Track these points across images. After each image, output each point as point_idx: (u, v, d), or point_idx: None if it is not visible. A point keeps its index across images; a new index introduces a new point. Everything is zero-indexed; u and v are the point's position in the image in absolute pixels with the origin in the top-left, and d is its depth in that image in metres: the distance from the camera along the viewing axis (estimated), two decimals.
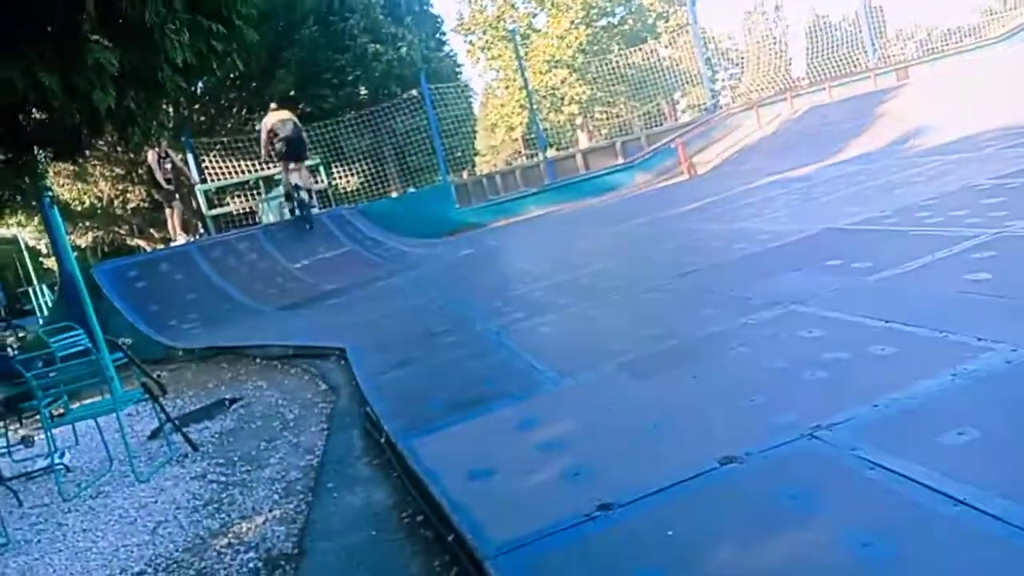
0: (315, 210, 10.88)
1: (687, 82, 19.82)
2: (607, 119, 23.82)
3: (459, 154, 18.69)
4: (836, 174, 7.43)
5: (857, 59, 18.05)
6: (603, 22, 24.66)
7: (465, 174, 21.21)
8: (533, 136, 19.66)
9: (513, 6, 24.52)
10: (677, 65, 19.64)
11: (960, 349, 2.24)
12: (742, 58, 27.39)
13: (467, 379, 3.41)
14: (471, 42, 25.55)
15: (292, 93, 15.51)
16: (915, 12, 30.97)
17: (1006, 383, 1.98)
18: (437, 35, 21.05)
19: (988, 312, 2.53)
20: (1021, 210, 3.77)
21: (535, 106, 17.94)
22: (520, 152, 28.32)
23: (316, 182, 12.43)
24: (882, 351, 2.39)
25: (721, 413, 2.29)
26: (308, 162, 11.29)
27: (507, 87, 24.76)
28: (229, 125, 16.15)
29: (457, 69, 22.06)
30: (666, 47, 20.59)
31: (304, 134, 10.67)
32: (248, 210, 14.44)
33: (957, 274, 3.02)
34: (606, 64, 20.66)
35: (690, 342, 3.10)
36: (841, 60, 18.08)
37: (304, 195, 10.19)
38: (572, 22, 23.00)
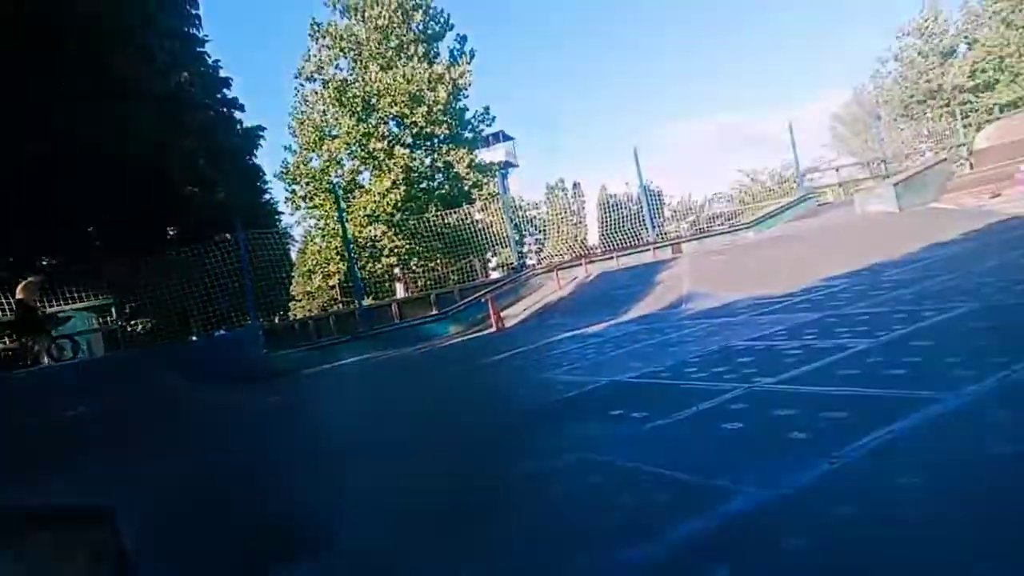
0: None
1: (497, 243, 21.28)
2: (424, 272, 24.62)
3: (272, 298, 18.16)
4: (623, 332, 8.23)
5: (640, 233, 20.61)
6: (423, 184, 26.12)
7: (277, 319, 20.50)
8: (350, 284, 19.71)
9: (339, 162, 25.30)
10: (489, 228, 21.15)
11: (718, 493, 2.51)
12: (545, 226, 30.09)
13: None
14: (293, 191, 25.69)
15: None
16: (687, 193, 36.45)
17: (756, 523, 2.24)
18: (258, 183, 21.08)
19: (740, 458, 2.88)
20: (766, 368, 4.41)
21: (354, 256, 18.16)
22: (336, 299, 28.05)
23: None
24: (658, 496, 2.61)
25: (520, 558, 2.33)
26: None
27: (326, 236, 24.90)
28: None
29: (277, 216, 21.95)
30: (479, 212, 22.19)
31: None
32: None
33: (717, 423, 3.42)
34: (423, 222, 21.69)
35: (493, 488, 3.16)
36: (627, 233, 20.54)
37: None
38: (393, 182, 24.11)
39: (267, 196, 21.86)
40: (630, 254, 17.50)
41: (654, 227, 19.82)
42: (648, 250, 17.17)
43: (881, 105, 36.59)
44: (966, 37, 32.43)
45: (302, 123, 25.33)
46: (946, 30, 32.59)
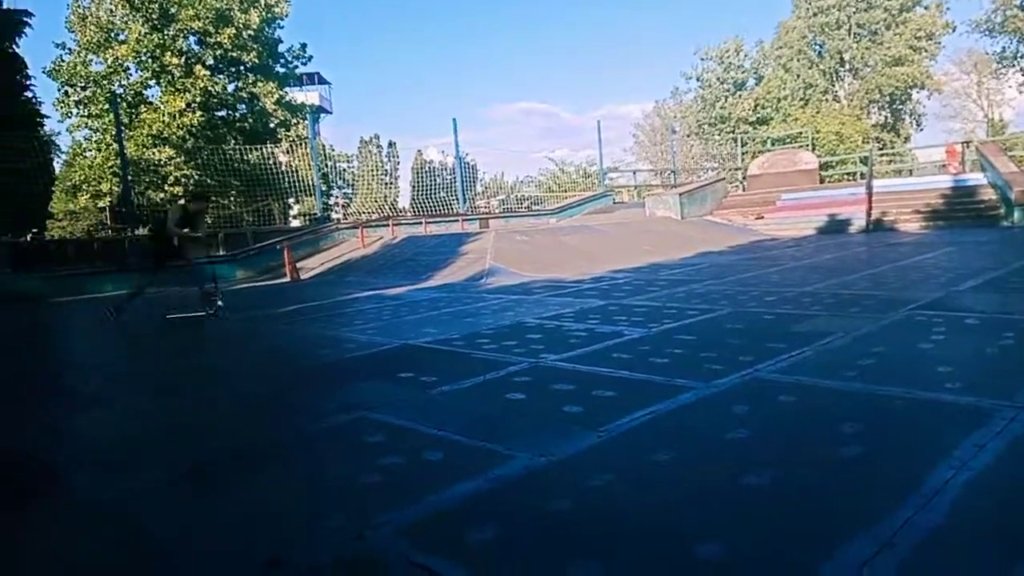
0: None
1: (301, 191, 20.22)
2: (216, 208, 22.70)
3: (24, 211, 15.64)
4: (423, 297, 8.24)
5: (452, 204, 20.78)
6: (223, 113, 23.92)
7: (30, 237, 17.69)
8: (123, 209, 17.55)
9: (125, 70, 22.24)
10: (294, 173, 19.99)
11: (492, 457, 2.59)
12: (356, 180, 29.17)
13: None
14: (66, 93, 22.16)
15: None
16: (500, 172, 37.36)
17: (525, 486, 2.34)
18: (18, 76, 17.86)
19: (518, 426, 3.00)
20: (553, 346, 4.65)
21: (131, 178, 16.17)
22: (105, 224, 24.90)
23: None
24: (432, 457, 2.63)
25: (274, 519, 2.22)
26: None
27: (101, 150, 21.83)
28: None
29: (40, 119, 18.81)
30: (284, 154, 20.89)
31: None
32: None
33: (501, 393, 3.53)
34: (220, 153, 19.93)
35: (255, 450, 2.99)
36: (439, 202, 20.61)
37: None
38: (189, 104, 21.80)
39: (29, 94, 18.66)
40: (439, 222, 17.55)
41: (466, 200, 20.06)
42: (457, 221, 17.34)
43: (678, 120, 40.19)
44: (756, 72, 36.64)
45: (84, 19, 21.90)
46: (742, 64, 36.53)
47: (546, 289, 8.22)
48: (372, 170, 30.83)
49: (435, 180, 21.78)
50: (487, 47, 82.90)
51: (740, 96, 35.48)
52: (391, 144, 41.58)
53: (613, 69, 79.96)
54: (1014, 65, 33.36)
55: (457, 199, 19.94)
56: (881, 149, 31.35)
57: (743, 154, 28.19)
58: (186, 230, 7.32)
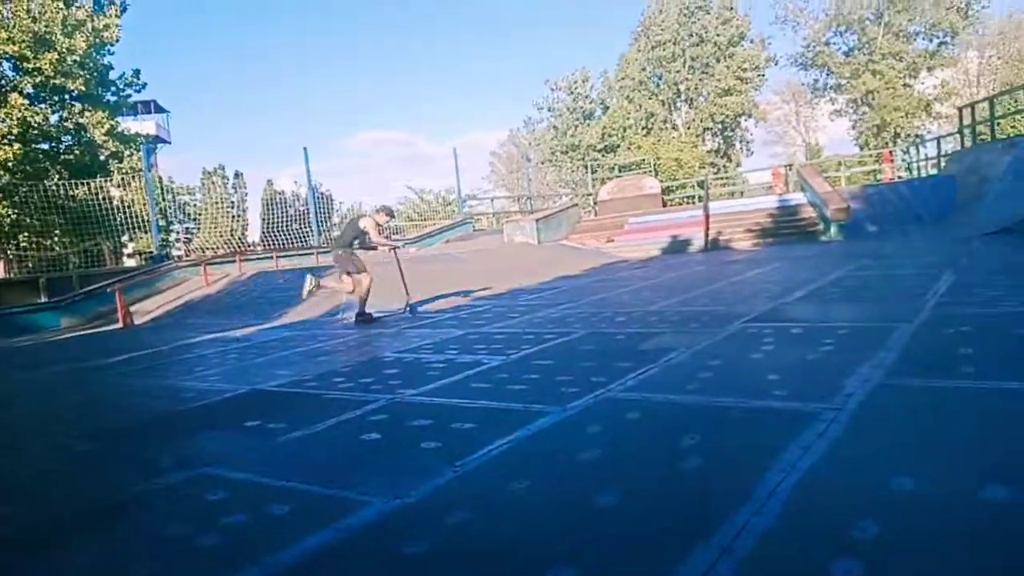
0: None
1: (138, 227, 18.71)
2: (37, 250, 20.46)
3: None
4: (274, 337, 7.83)
5: (306, 236, 20.09)
6: (45, 145, 21.72)
7: None
8: None
9: None
10: (128, 208, 18.49)
11: (344, 504, 2.46)
12: (199, 214, 27.49)
13: None
14: None
15: None
16: (358, 202, 36.63)
17: (378, 533, 2.23)
18: None
19: (373, 469, 2.88)
20: (410, 380, 4.55)
21: None
22: None
23: None
24: (278, 511, 2.46)
25: None
26: None
27: None
28: None
29: None
30: (117, 188, 19.27)
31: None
32: None
33: (356, 434, 3.39)
34: (40, 190, 18.05)
35: (76, 513, 2.65)
36: (293, 234, 19.85)
37: None
38: (3, 136, 19.61)
39: None
40: (292, 256, 16.87)
41: (321, 232, 19.46)
42: (312, 254, 16.76)
43: (533, 148, 41.57)
44: (603, 102, 38.71)
45: None
46: (589, 94, 38.47)
47: (406, 321, 8.10)
48: (217, 203, 29.12)
49: (287, 212, 20.94)
50: (343, 76, 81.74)
51: (589, 125, 37.30)
52: (237, 174, 39.55)
53: (469, 99, 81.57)
54: (825, 95, 37.66)
55: (312, 230, 19.30)
56: (716, 173, 34.10)
57: (593, 180, 29.59)
58: None
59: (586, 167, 31.64)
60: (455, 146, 59.38)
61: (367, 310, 8.51)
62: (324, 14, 76.58)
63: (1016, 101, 19.47)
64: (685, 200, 28.41)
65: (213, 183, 35.63)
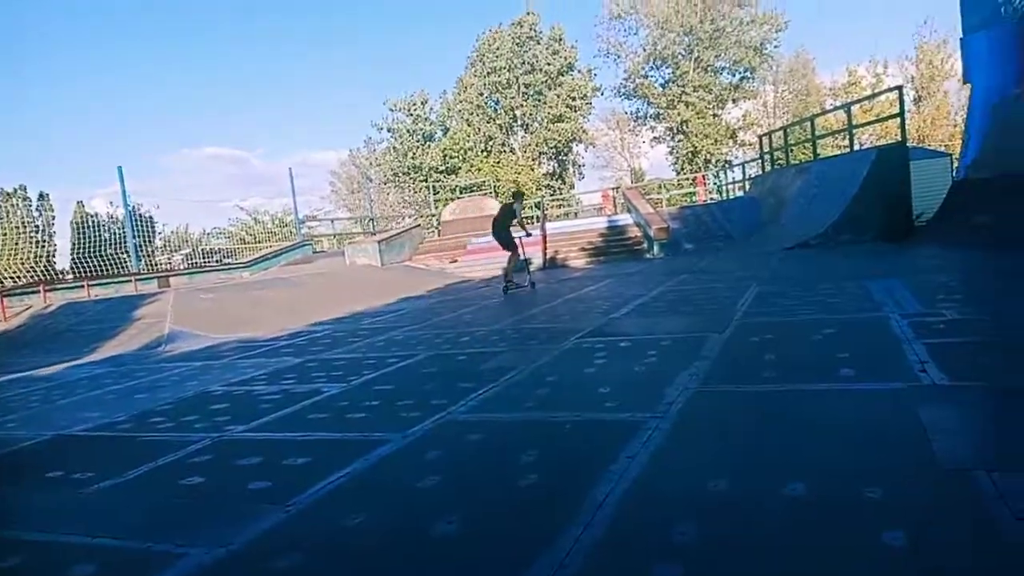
0: None
1: None
2: None
3: None
4: (83, 375, 7.05)
5: (124, 261, 18.37)
6: None
7: None
8: None
9: None
10: None
11: (160, 559, 2.25)
12: None
13: None
14: None
15: None
16: (184, 224, 33.91)
17: None
18: None
19: (194, 516, 2.66)
20: (241, 415, 4.28)
21: None
22: None
23: None
24: (81, 573, 2.20)
25: None
26: None
27: None
28: None
29: None
30: None
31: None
32: None
33: (175, 479, 3.12)
34: None
35: None
36: (108, 260, 18.06)
37: None
38: None
39: None
40: (108, 284, 15.32)
41: (140, 257, 17.85)
42: (130, 281, 15.32)
43: (373, 169, 41.01)
44: (443, 124, 39.04)
45: None
46: (428, 116, 38.65)
47: (237, 351, 7.63)
48: (17, 227, 25.81)
49: (101, 235, 19.00)
50: (167, 89, 75.66)
51: (430, 146, 37.47)
52: (42, 196, 35.32)
53: (307, 116, 78.55)
54: (645, 123, 40.59)
55: (130, 255, 17.65)
56: (552, 195, 35.55)
57: (436, 201, 29.72)
58: None
59: (428, 188, 31.74)
60: (292, 165, 57.34)
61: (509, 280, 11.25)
62: (140, 22, 70.73)
63: (805, 130, 22.14)
64: (525, 220, 29.33)
65: (13, 206, 31.49)
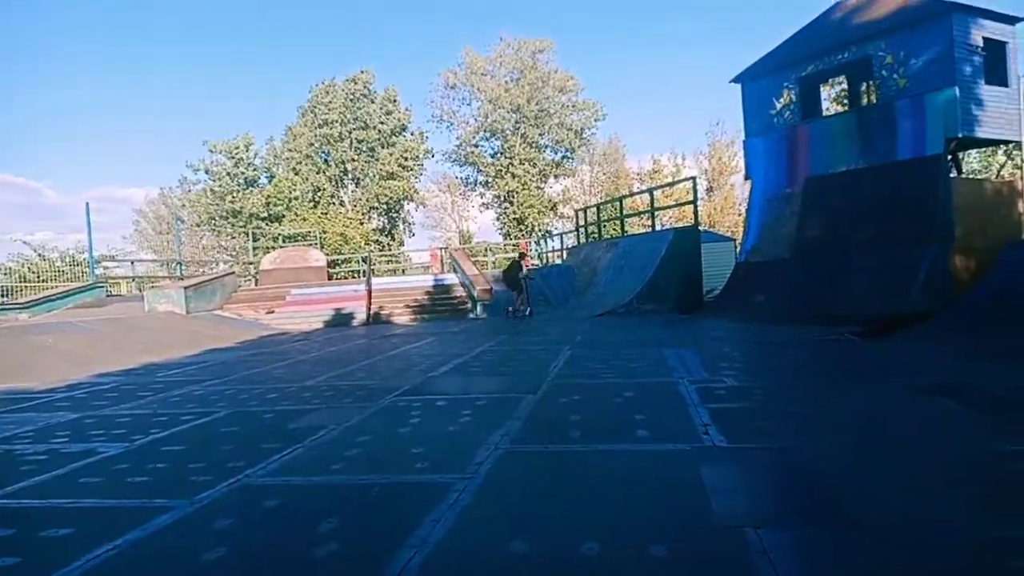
0: None
1: None
2: None
3: None
4: None
5: None
6: None
7: None
8: None
9: None
10: None
11: None
12: None
13: None
14: None
15: None
16: None
17: None
18: None
19: None
20: None
21: None
22: None
23: None
24: None
25: None
26: None
27: None
28: None
29: None
30: None
31: None
32: None
33: None
34: None
35: None
36: None
37: None
38: None
39: None
40: None
41: None
42: None
43: (187, 210, 38.25)
44: (268, 170, 37.50)
45: None
46: (252, 161, 36.97)
47: (2, 404, 6.59)
48: None
49: None
50: None
51: (252, 192, 35.75)
52: None
53: (111, 148, 71.47)
54: (475, 190, 41.89)
55: None
56: (380, 250, 35.23)
57: (255, 249, 28.24)
58: None
59: (248, 234, 30.12)
60: (91, 200, 51.99)
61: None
62: None
63: (615, 208, 24.13)
64: (351, 274, 28.67)
65: None
